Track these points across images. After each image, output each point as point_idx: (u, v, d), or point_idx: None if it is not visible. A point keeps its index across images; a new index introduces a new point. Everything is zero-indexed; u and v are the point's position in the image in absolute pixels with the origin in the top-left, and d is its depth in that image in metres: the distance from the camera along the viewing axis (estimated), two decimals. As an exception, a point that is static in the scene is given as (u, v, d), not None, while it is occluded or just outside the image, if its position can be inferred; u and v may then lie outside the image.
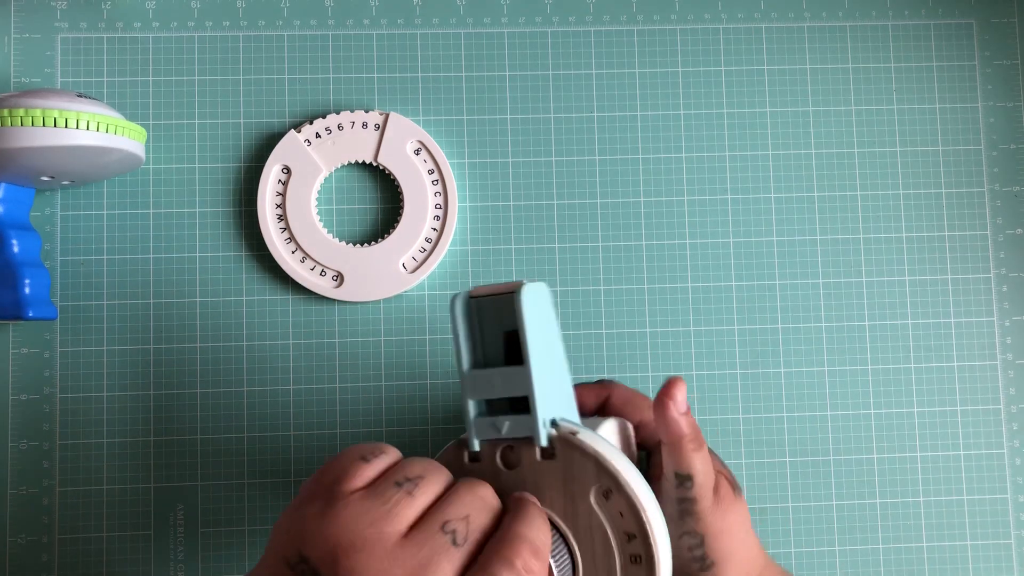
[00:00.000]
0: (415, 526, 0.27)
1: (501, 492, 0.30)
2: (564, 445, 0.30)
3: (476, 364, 0.32)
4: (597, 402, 0.38)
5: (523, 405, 0.30)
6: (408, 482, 0.27)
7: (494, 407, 0.32)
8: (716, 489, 0.34)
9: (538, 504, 0.30)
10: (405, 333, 0.46)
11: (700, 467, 0.34)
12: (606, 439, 0.31)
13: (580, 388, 0.37)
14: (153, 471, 0.45)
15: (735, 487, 0.36)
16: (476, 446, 0.31)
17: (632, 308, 0.47)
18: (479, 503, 0.28)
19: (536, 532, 0.28)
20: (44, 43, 0.46)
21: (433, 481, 0.28)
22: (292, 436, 0.46)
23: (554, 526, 0.30)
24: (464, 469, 0.32)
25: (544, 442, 0.30)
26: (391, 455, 0.29)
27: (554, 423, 0.31)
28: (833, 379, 0.47)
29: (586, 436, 0.30)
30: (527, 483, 0.30)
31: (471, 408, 0.31)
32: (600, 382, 0.38)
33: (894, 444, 0.47)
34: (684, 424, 0.33)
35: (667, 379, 0.34)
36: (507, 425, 0.31)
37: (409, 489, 0.27)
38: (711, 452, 0.36)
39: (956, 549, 0.46)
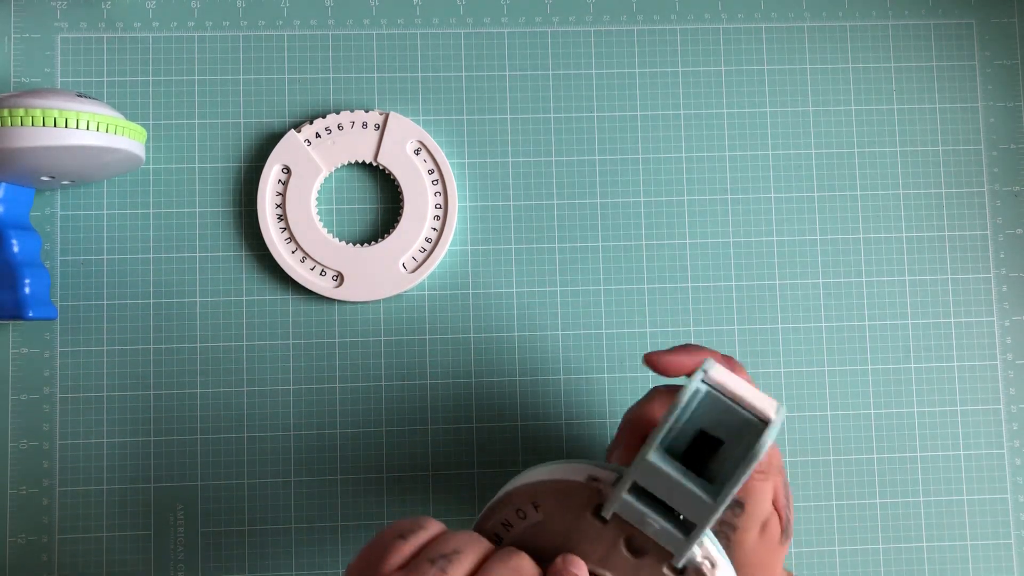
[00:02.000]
0: None
1: (600, 563, 0.29)
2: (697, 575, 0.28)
3: (662, 447, 0.28)
4: (681, 373, 0.35)
5: (678, 521, 0.28)
6: (442, 559, 0.27)
7: (646, 495, 0.28)
8: (764, 527, 0.33)
9: (577, 565, 0.29)
10: (405, 333, 0.46)
11: (756, 499, 0.32)
12: None
13: (708, 354, 0.35)
14: (153, 471, 0.45)
15: (786, 533, 0.34)
16: (609, 516, 0.29)
17: (632, 308, 0.47)
18: (511, 574, 0.28)
19: None
20: (44, 43, 0.46)
21: (468, 555, 0.27)
22: (292, 436, 0.46)
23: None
24: (582, 517, 0.29)
25: (681, 565, 0.28)
26: (430, 530, 0.28)
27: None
28: (833, 379, 0.47)
29: (723, 574, 0.28)
30: None
31: (628, 484, 0.28)
32: (729, 359, 0.35)
33: (894, 444, 0.47)
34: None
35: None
36: (654, 528, 0.28)
37: (442, 566, 0.27)
38: (786, 488, 0.35)
39: (956, 549, 0.46)
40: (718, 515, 0.27)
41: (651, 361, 0.34)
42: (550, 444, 0.46)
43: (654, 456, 0.27)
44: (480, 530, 0.31)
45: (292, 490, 0.45)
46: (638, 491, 0.28)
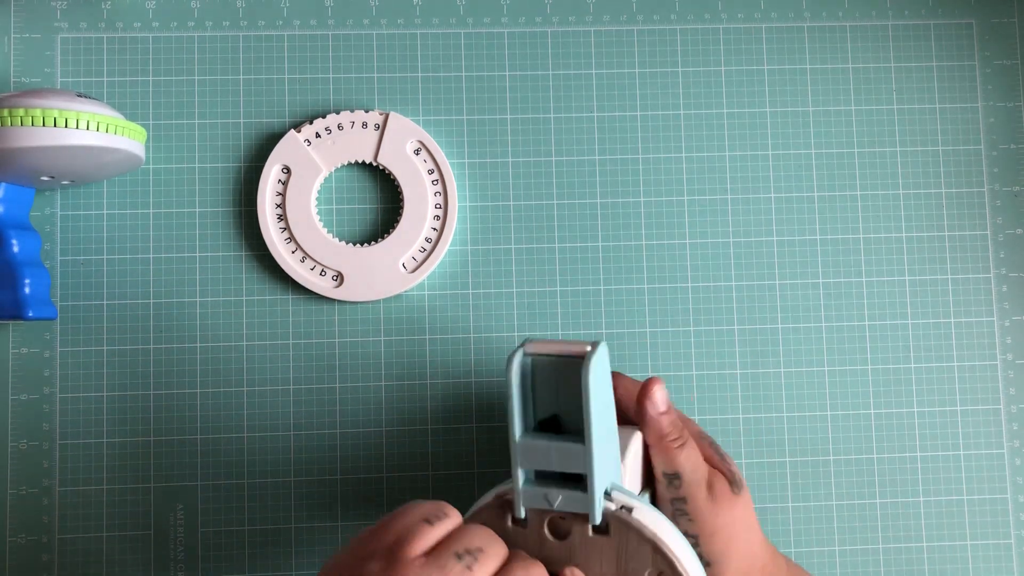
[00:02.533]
0: None
1: (548, 562, 0.29)
2: (619, 524, 0.29)
3: (527, 428, 0.30)
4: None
5: (577, 478, 0.29)
6: (468, 555, 0.27)
7: (544, 474, 0.30)
8: (710, 487, 0.34)
9: None
10: (405, 333, 0.46)
11: (686, 464, 0.34)
12: (661, 516, 0.30)
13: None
14: (153, 471, 0.45)
15: (735, 483, 0.35)
16: (523, 513, 0.30)
17: (632, 308, 0.47)
18: None
19: None
20: (44, 43, 0.46)
21: (492, 556, 0.28)
22: (292, 436, 0.46)
23: None
24: (507, 532, 0.31)
25: (599, 520, 0.29)
26: (453, 519, 0.29)
27: (607, 494, 0.30)
28: (833, 379, 0.47)
29: (642, 515, 0.29)
30: (577, 556, 0.30)
31: (520, 476, 0.30)
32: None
33: (894, 444, 0.47)
34: (665, 423, 0.33)
35: (647, 379, 0.34)
36: (560, 499, 0.29)
37: (469, 563, 0.27)
38: (713, 447, 0.36)
39: (956, 549, 0.46)
40: (595, 454, 0.28)
41: None
42: (550, 444, 0.46)
43: (520, 436, 0.29)
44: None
45: (292, 490, 0.45)
46: (535, 478, 0.30)
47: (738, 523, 0.35)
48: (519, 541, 0.30)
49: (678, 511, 0.34)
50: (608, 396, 0.31)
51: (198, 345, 0.46)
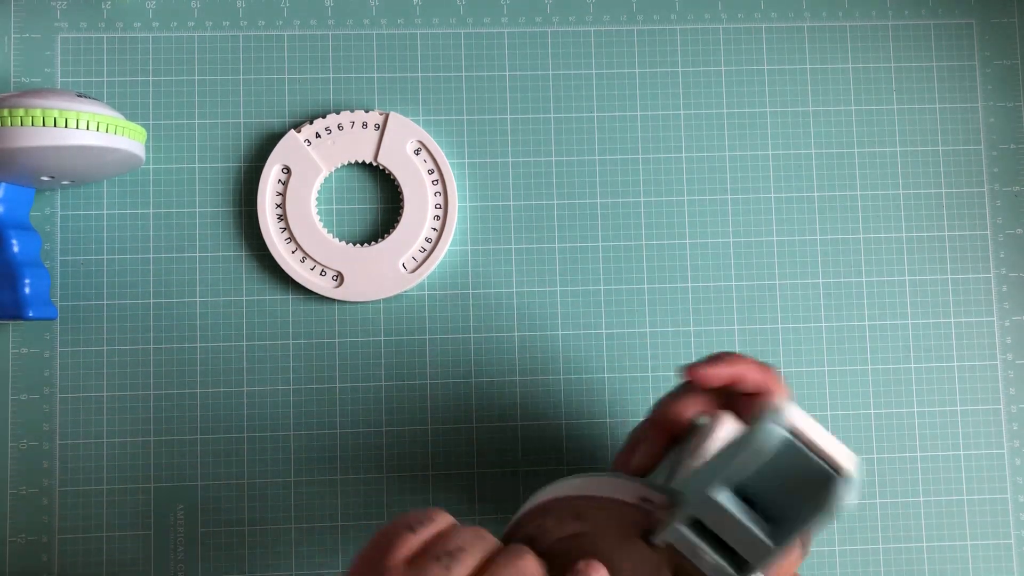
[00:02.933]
0: None
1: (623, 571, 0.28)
2: None
3: (725, 484, 0.27)
4: (756, 386, 0.35)
5: (734, 553, 0.27)
6: (447, 556, 0.27)
7: (701, 525, 0.27)
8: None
9: (596, 568, 0.28)
10: (405, 333, 0.46)
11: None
12: None
13: (750, 361, 0.35)
14: (153, 471, 0.45)
15: (804, 549, 0.34)
16: (663, 541, 0.28)
17: (632, 308, 0.47)
18: (515, 574, 0.27)
19: None
20: (44, 43, 0.46)
21: (472, 553, 0.27)
22: (292, 436, 0.46)
23: None
24: (629, 540, 0.28)
25: None
26: (439, 523, 0.28)
27: None
28: (833, 379, 0.47)
29: None
30: None
31: (683, 516, 0.27)
32: (766, 369, 0.35)
33: (894, 444, 0.47)
34: None
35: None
36: (707, 563, 0.27)
37: (447, 564, 0.27)
38: None
39: (956, 549, 0.46)
40: (777, 558, 0.26)
41: (693, 374, 0.34)
42: (550, 444, 0.46)
43: (716, 492, 0.26)
44: (514, 533, 0.30)
45: (292, 490, 0.45)
46: (693, 521, 0.27)
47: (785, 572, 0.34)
48: (630, 554, 0.28)
49: None
50: None
51: (198, 345, 0.46)
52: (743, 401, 0.36)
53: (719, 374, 0.34)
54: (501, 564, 0.27)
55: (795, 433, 0.26)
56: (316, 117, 0.46)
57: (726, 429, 0.33)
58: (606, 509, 0.28)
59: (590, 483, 0.29)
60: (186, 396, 0.45)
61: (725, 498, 0.26)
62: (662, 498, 0.28)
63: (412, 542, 0.27)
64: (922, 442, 0.47)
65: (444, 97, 0.47)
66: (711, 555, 0.27)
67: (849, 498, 0.25)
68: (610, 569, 0.28)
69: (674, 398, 0.36)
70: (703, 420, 0.34)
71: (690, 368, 0.34)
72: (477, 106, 0.47)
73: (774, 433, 0.26)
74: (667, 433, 0.35)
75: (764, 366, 0.35)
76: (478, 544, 0.28)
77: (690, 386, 0.36)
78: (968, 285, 0.48)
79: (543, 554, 0.29)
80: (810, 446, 0.26)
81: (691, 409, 0.35)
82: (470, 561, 0.27)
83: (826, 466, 0.26)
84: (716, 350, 0.47)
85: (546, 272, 0.47)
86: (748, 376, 0.34)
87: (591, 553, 0.28)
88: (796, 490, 0.26)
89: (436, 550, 0.27)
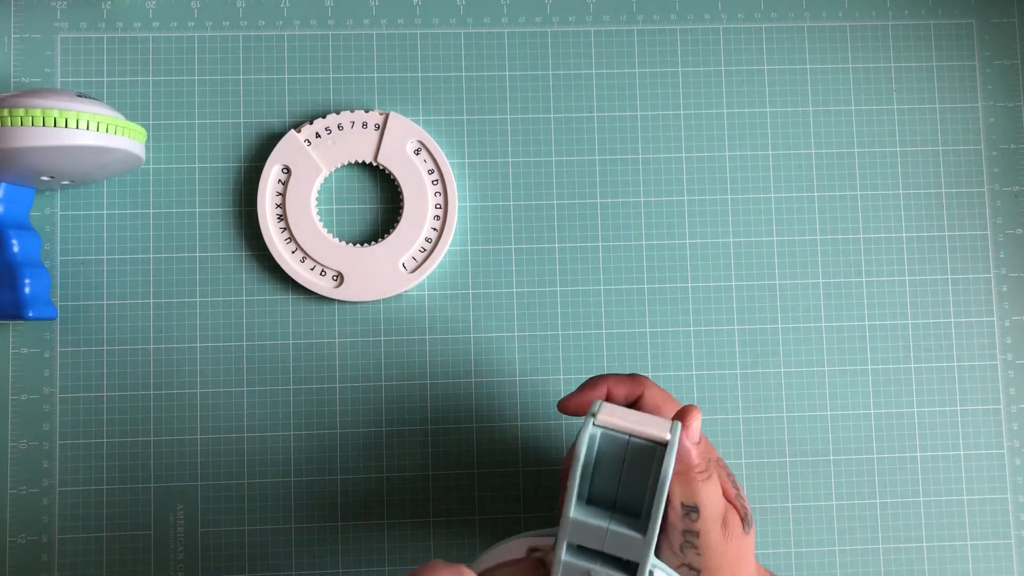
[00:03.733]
0: None
1: None
2: None
3: (581, 501, 0.29)
4: (627, 399, 0.36)
5: (624, 563, 0.28)
6: None
7: (586, 548, 0.29)
8: (724, 523, 0.33)
9: None
10: (405, 333, 0.46)
11: (707, 499, 0.33)
12: None
13: (611, 380, 0.36)
14: (153, 471, 0.45)
15: (746, 521, 0.35)
16: None
17: (632, 308, 0.47)
18: None
19: None
20: (44, 43, 0.46)
21: None
22: (292, 436, 0.46)
23: None
24: None
25: None
26: None
27: (650, 574, 0.28)
28: (833, 379, 0.47)
29: None
30: None
31: (563, 547, 0.28)
32: (633, 377, 0.37)
33: (894, 444, 0.47)
34: (695, 454, 0.32)
35: (682, 407, 0.33)
36: None
37: None
38: (731, 479, 0.35)
39: (956, 549, 0.46)
40: (652, 547, 0.27)
41: (563, 408, 0.36)
42: (550, 444, 0.46)
43: (575, 511, 0.28)
44: None
45: (292, 491, 0.45)
46: (577, 548, 0.28)
47: (743, 560, 0.34)
48: None
49: (687, 543, 0.33)
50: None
51: (198, 345, 0.46)
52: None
53: (590, 399, 0.36)
54: None
55: (609, 426, 0.28)
56: (316, 117, 0.46)
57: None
58: (509, 571, 0.30)
59: (486, 560, 0.31)
60: (186, 396, 0.45)
61: (585, 514, 0.28)
62: (548, 540, 0.29)
63: None
64: (922, 442, 0.47)
65: (444, 97, 0.47)
66: (602, 570, 0.28)
67: (671, 462, 0.27)
68: None
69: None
70: (594, 406, 0.36)
71: (563, 403, 0.36)
72: (477, 106, 0.47)
73: (593, 435, 0.28)
74: (586, 397, 0.37)
75: (630, 376, 0.37)
76: None
77: (560, 408, 0.37)
78: (968, 285, 0.48)
79: None
80: (627, 431, 0.28)
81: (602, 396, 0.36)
82: None
83: (647, 442, 0.28)
84: (717, 350, 0.47)
85: (546, 272, 0.47)
86: (614, 392, 0.36)
87: None
88: (639, 478, 0.28)
89: None
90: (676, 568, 0.33)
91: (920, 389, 0.47)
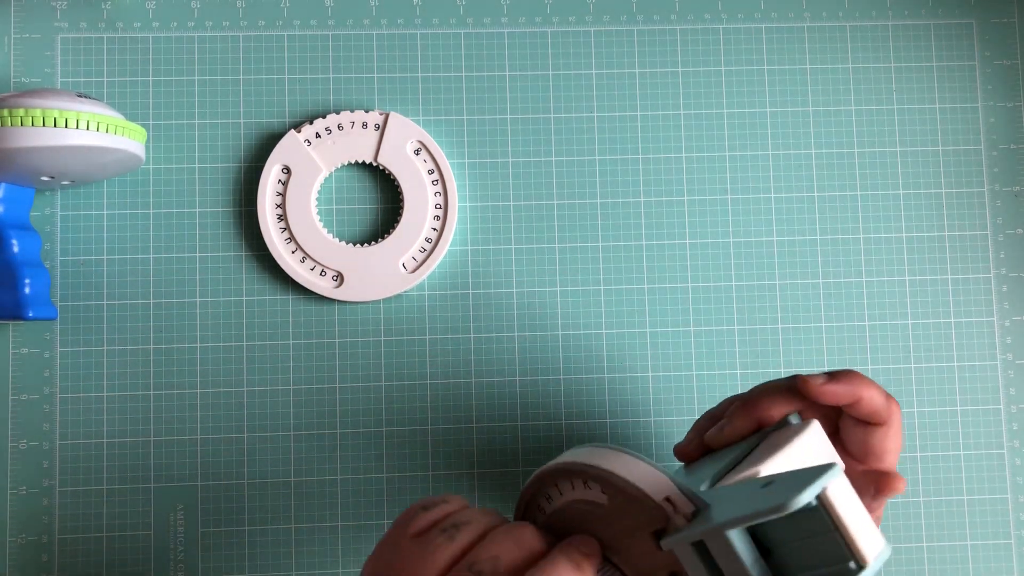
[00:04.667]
0: (450, 568, 0.27)
1: (632, 572, 0.28)
2: None
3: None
4: (870, 415, 0.33)
5: None
6: (452, 527, 0.28)
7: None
8: None
9: (583, 549, 0.28)
10: (405, 333, 0.46)
11: None
12: None
13: (874, 388, 0.33)
14: (153, 471, 0.45)
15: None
16: (665, 549, 0.27)
17: (632, 308, 0.47)
18: (511, 543, 0.28)
19: (568, 570, 0.27)
20: (44, 43, 0.46)
21: (476, 525, 0.28)
22: (292, 436, 0.46)
23: (620, 569, 0.28)
24: (640, 533, 0.28)
25: None
26: (452, 504, 0.30)
27: None
28: (833, 379, 0.47)
29: None
30: None
31: (693, 537, 0.26)
32: (889, 399, 0.33)
33: (894, 444, 0.47)
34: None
35: (896, 478, 0.32)
36: None
37: (451, 534, 0.28)
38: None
39: (956, 549, 0.46)
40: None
41: (807, 387, 0.33)
42: (550, 444, 0.46)
43: (733, 534, 0.25)
44: (535, 483, 0.31)
45: (292, 490, 0.45)
46: (701, 543, 0.26)
47: None
48: (637, 545, 0.28)
49: None
50: None
51: (198, 345, 0.46)
52: (848, 421, 0.34)
53: (836, 394, 0.32)
54: (501, 532, 0.28)
55: (828, 505, 0.25)
56: (316, 117, 0.46)
57: (811, 438, 0.32)
58: (630, 497, 0.28)
59: (626, 464, 0.29)
60: (186, 396, 0.45)
61: (737, 537, 0.26)
62: (687, 505, 0.27)
63: (423, 519, 0.29)
64: (922, 442, 0.47)
65: (444, 97, 0.47)
66: None
67: None
68: (612, 552, 0.29)
69: (777, 390, 0.34)
70: (794, 418, 0.33)
71: (808, 381, 0.33)
72: (477, 106, 0.47)
73: (810, 504, 0.25)
74: (755, 420, 0.34)
75: (887, 397, 0.33)
76: (483, 518, 0.29)
77: (789, 392, 0.34)
78: (968, 285, 0.48)
79: (554, 512, 0.30)
80: (838, 524, 0.25)
81: (788, 408, 0.34)
82: (472, 531, 0.28)
83: (846, 550, 0.25)
84: (717, 350, 0.47)
85: (546, 272, 0.47)
86: (865, 404, 0.33)
87: (601, 528, 0.29)
88: (812, 556, 0.25)
89: (443, 523, 0.29)
90: None
91: (920, 389, 0.47)
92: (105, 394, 0.45)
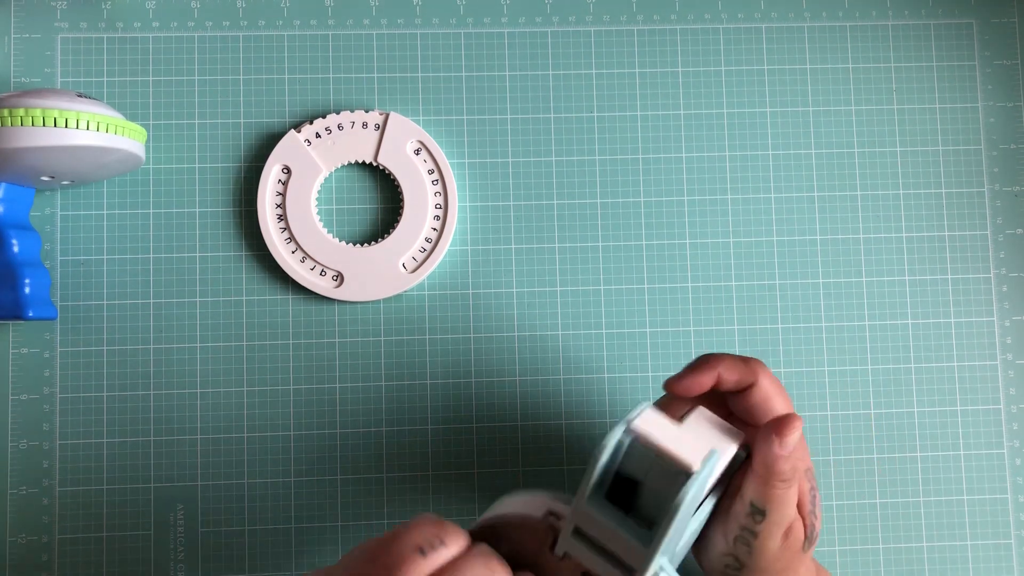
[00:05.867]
0: None
1: None
2: None
3: (599, 493, 0.28)
4: (737, 385, 0.34)
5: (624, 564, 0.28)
6: None
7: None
8: (787, 533, 0.33)
9: None
10: (405, 333, 0.46)
11: (778, 507, 0.32)
12: None
13: (724, 363, 0.34)
14: (153, 471, 0.45)
15: (809, 540, 0.34)
16: (560, 554, 0.29)
17: (632, 308, 0.47)
18: None
19: None
20: (44, 43, 0.46)
21: None
22: (292, 436, 0.46)
23: None
24: (542, 552, 0.29)
25: None
26: (452, 547, 0.27)
27: None
28: (833, 379, 0.47)
29: None
30: None
31: (569, 531, 0.28)
32: (747, 362, 0.34)
33: (894, 444, 0.47)
34: (783, 466, 0.31)
35: (781, 417, 0.32)
36: (599, 571, 0.28)
37: None
38: (812, 493, 0.34)
39: (956, 549, 0.46)
40: (653, 562, 0.27)
41: (669, 389, 0.34)
42: (550, 444, 0.46)
43: (588, 503, 0.27)
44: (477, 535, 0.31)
45: (292, 490, 0.45)
46: (581, 531, 0.28)
47: (790, 573, 0.33)
48: (546, 565, 0.29)
49: (742, 539, 0.32)
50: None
51: (198, 345, 0.46)
52: (728, 396, 0.35)
53: (700, 383, 0.34)
54: None
55: (642, 436, 0.27)
56: (316, 117, 0.46)
57: (729, 451, 0.32)
58: (518, 527, 0.29)
59: (506, 503, 0.31)
60: (186, 396, 0.45)
61: (597, 509, 0.27)
62: (567, 509, 0.29)
63: (421, 569, 0.26)
64: (922, 442, 0.47)
65: (444, 97, 0.47)
66: (601, 563, 0.27)
67: (694, 492, 0.26)
68: None
69: (736, 360, 0.34)
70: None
71: (671, 383, 0.34)
72: (477, 106, 0.47)
73: (622, 442, 0.27)
74: (683, 400, 0.35)
75: (745, 360, 0.34)
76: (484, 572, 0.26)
77: (665, 387, 0.35)
78: (968, 285, 0.48)
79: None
80: (656, 447, 0.27)
81: (709, 382, 0.34)
82: None
83: (675, 466, 0.27)
84: (716, 350, 0.47)
85: (546, 272, 0.47)
86: (726, 377, 0.34)
87: (521, 568, 0.29)
88: (660, 492, 0.27)
89: None
90: (721, 556, 0.33)
91: (920, 389, 0.47)
92: (105, 394, 0.45)
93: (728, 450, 0.32)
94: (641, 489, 0.28)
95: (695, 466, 0.27)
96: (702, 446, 0.28)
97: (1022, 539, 0.47)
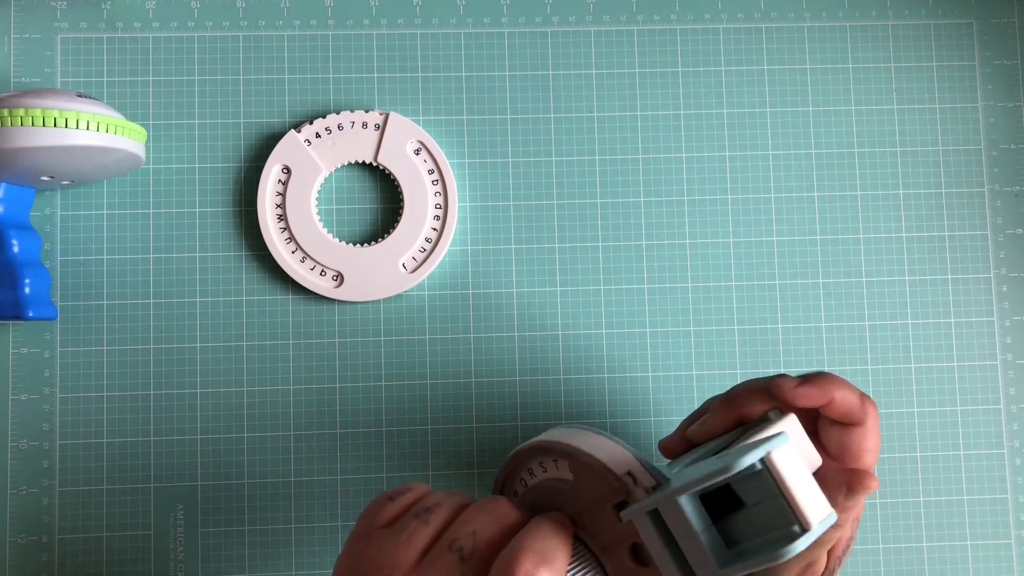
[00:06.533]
0: (429, 550, 0.27)
1: (597, 545, 0.29)
2: None
3: (696, 495, 0.27)
4: (844, 416, 0.33)
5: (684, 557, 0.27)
6: (424, 511, 0.28)
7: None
8: (805, 569, 0.33)
9: (558, 519, 0.29)
10: (405, 333, 0.46)
11: (814, 547, 0.32)
12: None
13: (846, 389, 0.33)
14: (153, 471, 0.45)
15: (828, 573, 0.34)
16: (626, 519, 0.28)
17: (632, 308, 0.47)
18: (488, 517, 0.28)
19: (544, 542, 0.27)
20: (44, 43, 0.46)
21: (448, 506, 0.28)
22: (292, 436, 0.46)
23: (586, 545, 0.29)
24: (603, 506, 0.28)
25: None
26: (417, 491, 0.30)
27: None
28: (833, 379, 0.47)
29: None
30: None
31: (648, 507, 0.27)
32: (863, 400, 0.33)
33: (894, 444, 0.47)
34: (840, 514, 0.31)
35: (868, 476, 0.31)
36: (657, 555, 0.27)
37: (425, 518, 0.28)
38: (850, 541, 0.34)
39: (956, 549, 0.46)
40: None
41: (780, 390, 0.33)
42: (550, 444, 0.46)
43: (684, 500, 0.26)
44: (510, 464, 0.32)
45: (292, 490, 0.45)
46: (657, 516, 0.27)
47: None
48: (600, 517, 0.28)
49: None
50: None
51: (198, 345, 0.46)
52: (824, 421, 0.34)
53: (809, 396, 0.32)
54: (475, 508, 0.28)
55: (772, 470, 0.26)
56: (316, 117, 0.46)
57: (787, 430, 0.32)
58: (594, 471, 0.28)
59: (591, 441, 0.30)
60: (186, 396, 0.45)
61: (689, 506, 0.26)
62: (648, 479, 0.28)
63: (391, 509, 0.29)
64: (922, 442, 0.47)
65: (444, 97, 0.47)
66: (662, 550, 0.27)
67: (800, 548, 0.25)
68: (578, 528, 0.29)
69: (756, 388, 0.34)
70: (774, 415, 0.33)
71: (781, 385, 0.32)
72: (477, 106, 0.47)
73: (754, 466, 0.26)
74: (736, 415, 0.34)
75: (862, 397, 0.33)
76: (453, 499, 0.29)
77: (769, 388, 0.34)
78: (968, 285, 0.48)
79: (526, 494, 0.31)
80: (782, 488, 0.26)
81: (766, 406, 0.34)
82: (446, 511, 0.28)
83: (790, 513, 0.26)
84: (716, 350, 0.47)
85: (546, 272, 0.47)
86: (838, 405, 0.32)
87: (568, 505, 0.30)
88: (760, 522, 0.26)
89: (416, 508, 0.29)
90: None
91: (920, 389, 0.47)
92: (105, 394, 0.45)
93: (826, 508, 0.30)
94: (743, 511, 0.27)
95: (813, 524, 0.26)
96: (823, 503, 0.26)
97: (1022, 539, 0.47)
